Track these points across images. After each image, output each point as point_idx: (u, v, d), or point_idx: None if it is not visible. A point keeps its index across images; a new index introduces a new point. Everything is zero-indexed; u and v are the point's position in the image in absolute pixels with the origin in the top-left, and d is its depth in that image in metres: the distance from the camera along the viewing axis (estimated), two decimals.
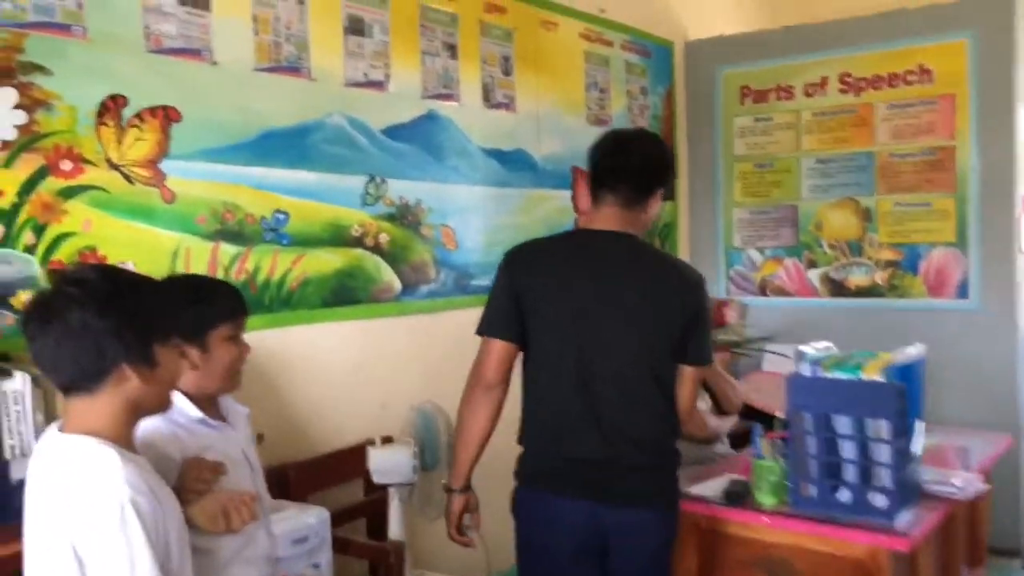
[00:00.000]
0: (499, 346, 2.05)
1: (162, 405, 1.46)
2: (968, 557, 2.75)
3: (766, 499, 2.17)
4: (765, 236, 4.58)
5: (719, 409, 3.14)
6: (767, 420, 3.54)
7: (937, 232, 4.12)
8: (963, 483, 2.26)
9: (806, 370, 2.12)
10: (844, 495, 2.07)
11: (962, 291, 4.07)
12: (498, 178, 3.50)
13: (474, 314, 3.24)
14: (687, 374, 2.01)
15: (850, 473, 2.05)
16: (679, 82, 4.69)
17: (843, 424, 2.05)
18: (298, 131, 2.71)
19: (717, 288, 4.73)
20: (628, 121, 4.26)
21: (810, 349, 2.18)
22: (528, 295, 2.03)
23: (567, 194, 3.88)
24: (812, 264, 4.44)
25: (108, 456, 1.31)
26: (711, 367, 2.13)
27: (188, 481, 1.54)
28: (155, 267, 2.28)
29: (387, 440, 2.68)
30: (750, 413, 3.82)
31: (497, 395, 2.06)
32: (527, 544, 2.10)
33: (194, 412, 1.69)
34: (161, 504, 1.34)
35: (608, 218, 2.04)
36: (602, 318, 1.97)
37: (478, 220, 3.41)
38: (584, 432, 1.97)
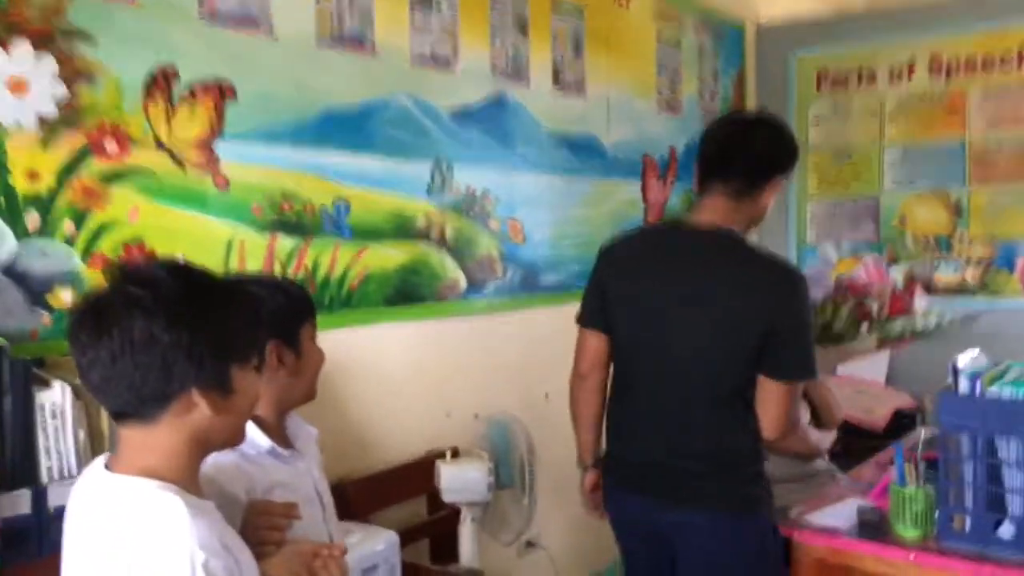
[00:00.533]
0: (589, 336, 2.06)
1: (235, 439, 1.19)
2: None
3: (909, 532, 1.88)
4: (843, 231, 4.27)
5: (818, 423, 2.86)
6: (861, 434, 3.26)
7: None
8: None
9: (963, 385, 1.82)
10: (1007, 530, 1.77)
11: None
12: (567, 166, 3.23)
13: (543, 314, 2.99)
14: (768, 387, 1.86)
15: (1016, 505, 1.76)
16: (750, 66, 4.39)
17: (1008, 449, 1.75)
18: (361, 112, 2.44)
19: None
20: (699, 107, 3.97)
21: (964, 360, 1.88)
22: (611, 290, 2.01)
23: (637, 184, 3.59)
24: (894, 260, 4.13)
25: (174, 507, 1.04)
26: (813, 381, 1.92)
27: (258, 530, 1.27)
28: (207, 261, 2.01)
29: (455, 453, 2.42)
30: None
31: (592, 383, 2.08)
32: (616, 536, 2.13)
33: (264, 441, 1.43)
34: (238, 564, 1.07)
35: (713, 209, 1.94)
36: (676, 318, 1.91)
37: (546, 212, 3.13)
38: (647, 435, 1.96)
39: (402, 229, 2.55)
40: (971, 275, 3.94)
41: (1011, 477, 1.76)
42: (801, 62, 4.32)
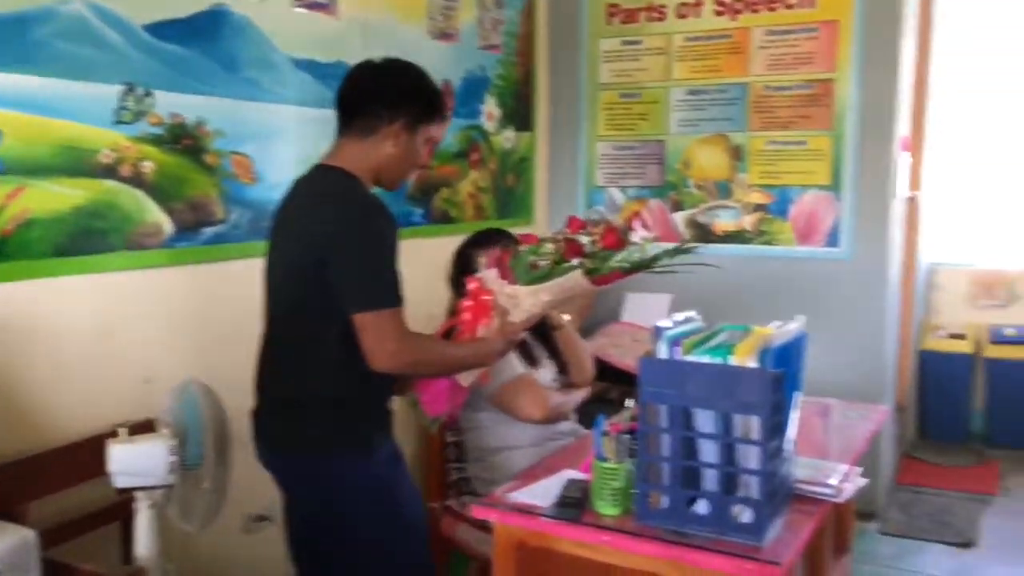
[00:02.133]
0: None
1: None
2: (834, 547, 2.43)
3: (608, 509, 1.73)
4: (629, 174, 4.15)
5: (568, 379, 2.70)
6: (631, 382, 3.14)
7: (810, 174, 3.77)
8: (838, 480, 1.88)
9: (663, 350, 1.67)
10: (703, 507, 1.65)
11: (832, 239, 3.76)
12: (314, 97, 2.88)
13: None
14: (355, 322, 1.80)
15: (711, 480, 1.63)
16: None
17: (705, 420, 1.61)
18: (15, 21, 2.02)
19: None
20: (478, 37, 3.69)
21: (668, 322, 1.73)
22: None
23: None
24: (678, 206, 4.05)
25: None
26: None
27: None
28: None
29: (145, 428, 2.11)
30: (607, 373, 3.43)
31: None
32: None
33: None
34: None
35: (336, 150, 1.98)
36: (274, 262, 1.98)
37: (286, 148, 2.79)
38: (260, 381, 2.02)
39: (78, 164, 2.16)
40: (748, 222, 3.90)
41: (706, 451, 1.62)
42: None
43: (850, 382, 3.52)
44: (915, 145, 4.16)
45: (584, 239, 2.00)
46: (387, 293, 1.82)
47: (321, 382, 1.89)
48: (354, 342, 1.80)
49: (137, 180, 2.30)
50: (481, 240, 2.62)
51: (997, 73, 4.91)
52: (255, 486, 2.64)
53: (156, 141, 2.35)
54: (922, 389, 4.80)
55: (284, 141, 2.78)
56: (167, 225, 2.39)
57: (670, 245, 2.07)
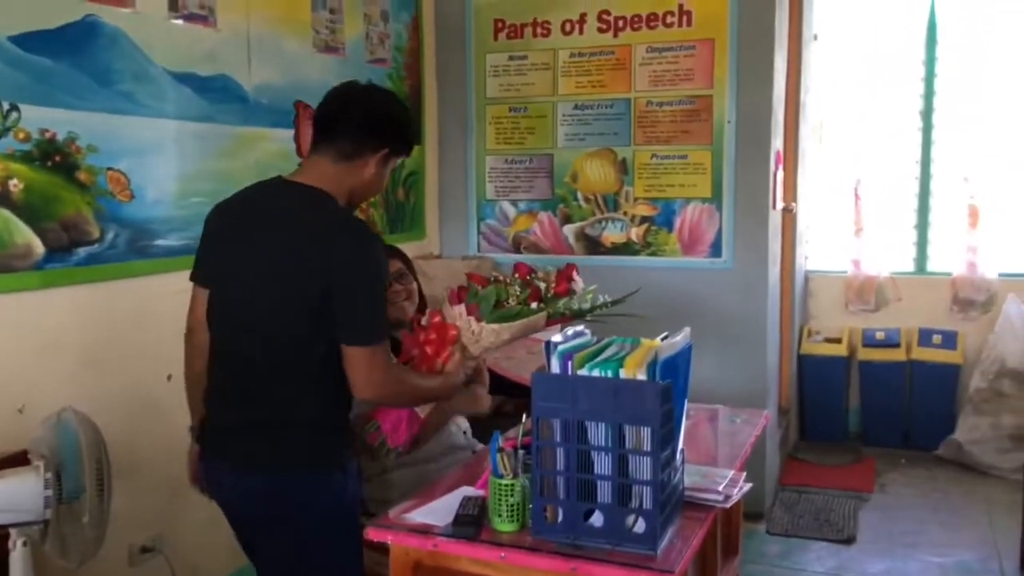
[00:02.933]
0: (196, 292, 2.01)
1: None
2: (723, 549, 2.51)
3: (505, 526, 1.73)
4: (519, 188, 4.19)
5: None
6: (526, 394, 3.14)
7: (692, 187, 3.90)
8: (726, 486, 1.94)
9: (555, 365, 1.69)
10: (598, 519, 1.67)
11: (716, 249, 3.89)
12: (195, 111, 2.80)
13: (160, 283, 2.58)
14: (345, 353, 1.80)
15: (605, 492, 1.65)
16: (427, 11, 4.14)
17: (598, 433, 1.63)
18: None
19: (468, 244, 4.30)
20: (366, 51, 3.67)
21: (560, 337, 1.75)
22: (213, 246, 1.97)
23: (290, 133, 3.23)
24: (567, 219, 4.11)
25: None
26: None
27: None
28: None
29: (18, 461, 1.99)
30: (503, 386, 3.43)
31: (197, 342, 2.02)
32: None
33: None
34: None
35: (313, 169, 1.92)
36: (252, 278, 1.86)
37: (167, 164, 2.70)
38: (228, 399, 1.92)
39: None
40: (636, 234, 4.00)
41: (601, 463, 1.64)
42: (479, 8, 4.14)
43: (735, 387, 3.65)
44: (788, 159, 4.35)
45: (541, 285, 2.09)
46: (382, 329, 1.83)
47: (304, 404, 1.85)
48: (335, 365, 1.81)
49: (4, 199, 2.18)
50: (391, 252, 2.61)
51: (866, 88, 5.19)
52: (140, 516, 2.55)
53: (24, 158, 2.24)
54: (802, 392, 5.01)
55: (163, 157, 2.69)
56: (38, 246, 2.28)
57: (608, 298, 2.17)
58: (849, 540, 3.64)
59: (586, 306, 2.14)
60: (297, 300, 1.80)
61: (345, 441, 1.94)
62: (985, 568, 3.37)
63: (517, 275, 2.16)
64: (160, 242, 2.67)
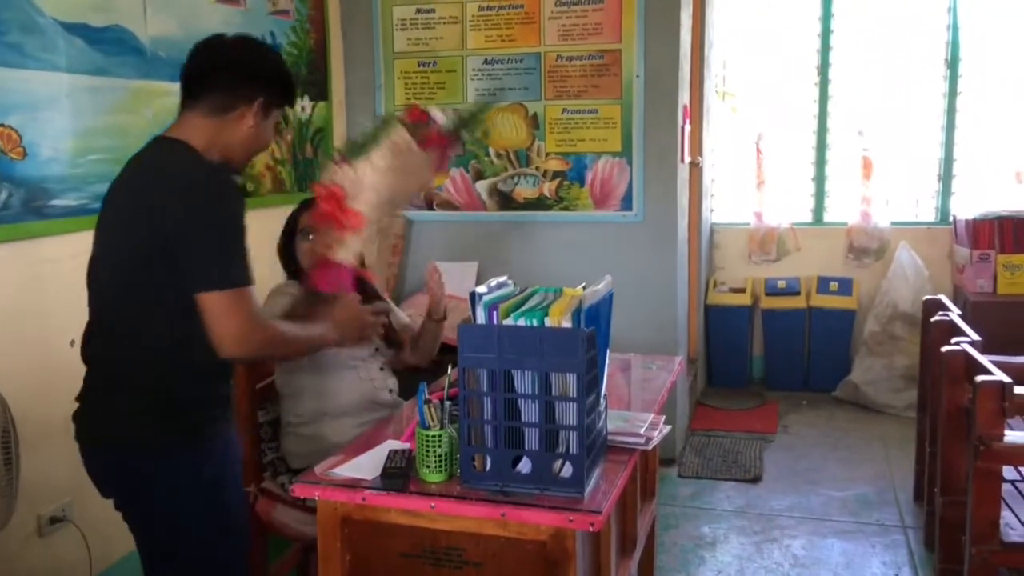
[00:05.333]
0: None
1: None
2: (641, 492, 2.58)
3: (433, 476, 1.74)
4: None
5: (399, 357, 2.69)
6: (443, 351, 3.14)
7: (603, 141, 3.94)
8: (646, 429, 2.00)
9: (480, 315, 1.69)
10: (526, 465, 1.69)
11: (627, 202, 3.95)
12: (88, 65, 2.66)
13: (56, 244, 2.47)
14: (200, 302, 1.68)
15: (532, 439, 1.67)
16: None
17: (525, 381, 1.65)
18: None
19: None
20: (267, 2, 3.54)
21: (483, 288, 1.75)
22: None
23: None
24: (479, 175, 4.10)
25: None
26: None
27: None
28: None
29: None
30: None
31: None
32: None
33: None
34: None
35: (183, 124, 1.83)
36: (100, 237, 1.81)
37: (61, 120, 2.57)
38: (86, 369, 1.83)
39: None
40: (548, 189, 4.02)
41: (527, 411, 1.67)
42: None
43: (646, 338, 3.73)
44: (694, 113, 4.43)
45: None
46: (239, 273, 1.70)
47: (147, 370, 1.74)
48: (186, 328, 1.68)
49: None
50: (302, 204, 2.57)
51: (766, 44, 5.32)
52: (48, 486, 2.46)
53: None
54: (709, 341, 5.17)
55: (57, 112, 2.56)
56: None
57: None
58: (756, 479, 3.80)
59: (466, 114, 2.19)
60: (132, 254, 1.71)
61: (203, 410, 1.81)
62: (882, 499, 3.57)
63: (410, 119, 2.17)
64: (56, 202, 2.54)
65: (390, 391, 2.60)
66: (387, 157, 2.08)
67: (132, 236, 1.72)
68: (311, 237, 2.39)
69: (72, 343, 2.44)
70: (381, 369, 2.59)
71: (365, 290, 2.47)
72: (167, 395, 1.75)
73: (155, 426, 1.75)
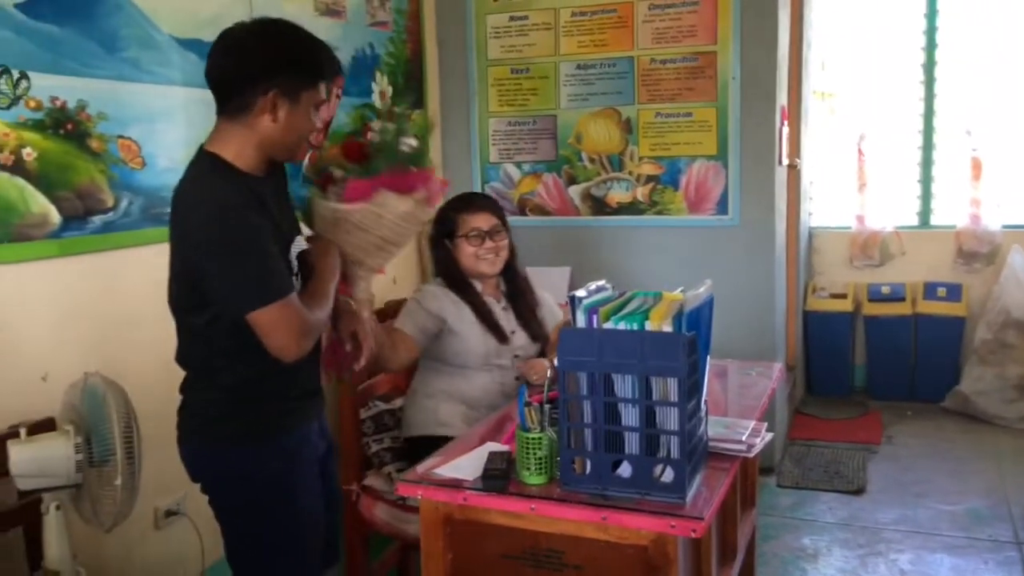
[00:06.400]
0: None
1: None
2: (741, 501, 2.54)
3: (533, 479, 1.76)
4: (523, 150, 4.18)
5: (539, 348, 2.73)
6: None
7: (698, 144, 3.89)
8: (748, 436, 1.97)
9: (580, 319, 1.70)
10: (626, 470, 1.69)
11: (722, 206, 3.89)
12: (201, 78, 2.70)
13: (159, 270, 2.57)
14: (251, 324, 1.69)
15: (632, 443, 1.67)
16: None
17: (625, 385, 1.65)
18: None
19: None
20: (367, 14, 3.63)
21: (583, 292, 1.76)
22: None
23: None
24: (572, 180, 4.10)
25: None
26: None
27: None
28: None
29: (45, 427, 2.01)
30: None
31: None
32: None
33: None
34: None
35: (214, 136, 1.80)
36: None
37: (176, 131, 2.69)
38: None
39: None
40: (641, 193, 3.99)
41: (627, 415, 1.66)
42: None
43: (743, 344, 3.66)
44: (792, 114, 4.34)
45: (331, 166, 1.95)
46: (272, 282, 1.68)
47: (214, 369, 1.81)
48: (243, 332, 1.70)
49: (19, 169, 2.17)
50: (461, 204, 2.73)
51: (868, 42, 5.17)
52: (163, 480, 2.57)
53: (37, 127, 2.22)
54: (808, 348, 5.04)
55: (172, 123, 2.67)
56: (54, 215, 2.27)
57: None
58: (859, 491, 3.68)
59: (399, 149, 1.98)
60: (176, 265, 1.77)
61: (271, 410, 1.84)
62: (995, 514, 3.42)
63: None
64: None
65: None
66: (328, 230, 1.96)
67: (173, 254, 1.77)
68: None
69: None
70: (516, 378, 2.64)
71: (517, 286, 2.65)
72: (234, 391, 1.81)
73: (224, 421, 1.82)
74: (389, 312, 2.84)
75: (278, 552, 1.86)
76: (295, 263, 1.85)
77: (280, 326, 1.67)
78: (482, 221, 2.68)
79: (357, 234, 1.93)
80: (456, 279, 2.67)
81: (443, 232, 2.70)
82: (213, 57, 1.77)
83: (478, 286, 2.69)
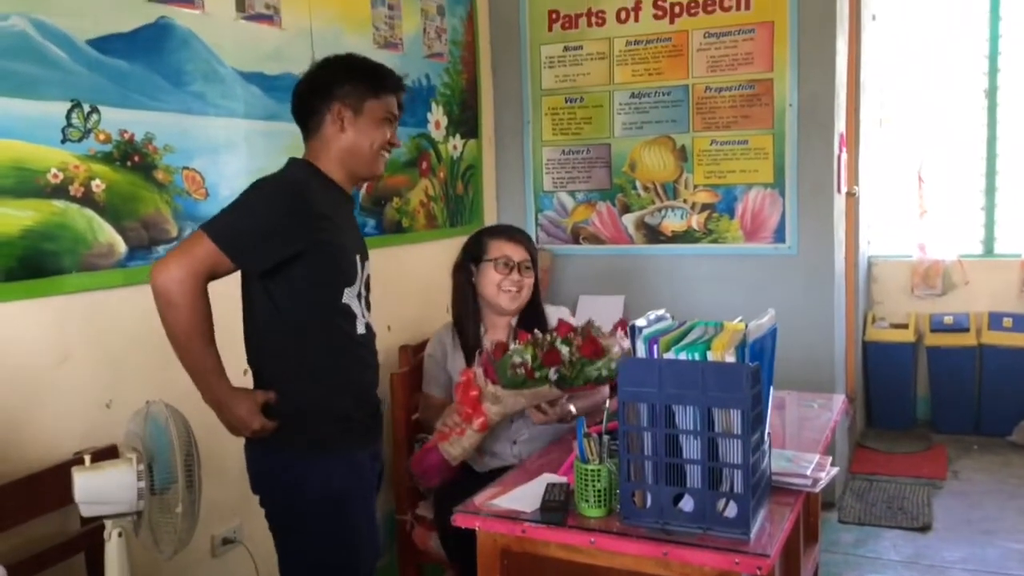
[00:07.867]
0: None
1: None
2: (804, 536, 2.48)
3: (592, 511, 1.73)
4: (577, 178, 4.18)
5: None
6: None
7: (754, 172, 3.85)
8: (813, 470, 1.92)
9: (640, 349, 1.68)
10: (688, 503, 1.66)
11: (779, 235, 3.84)
12: (263, 110, 2.84)
13: (233, 280, 2.61)
14: None
15: (694, 476, 1.64)
16: (482, 3, 4.14)
17: (686, 416, 1.62)
18: None
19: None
20: (423, 46, 3.68)
21: (643, 321, 1.74)
22: None
23: None
24: (626, 209, 4.09)
25: None
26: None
27: None
28: None
29: (108, 455, 2.04)
30: None
31: None
32: None
33: None
34: None
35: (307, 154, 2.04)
36: None
37: (236, 162, 2.74)
38: None
39: (26, 184, 2.08)
40: (696, 222, 3.96)
41: (689, 447, 1.63)
42: (533, 1, 4.13)
43: (801, 375, 3.58)
44: (850, 142, 4.27)
45: (564, 349, 2.10)
46: (221, 220, 1.83)
47: (269, 382, 1.95)
48: (314, 348, 1.87)
49: (88, 199, 2.23)
50: (497, 231, 2.74)
51: (927, 67, 5.08)
52: (220, 508, 2.60)
53: (105, 159, 2.28)
54: (868, 379, 4.92)
55: (234, 155, 2.73)
56: (120, 245, 2.32)
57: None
58: (925, 528, 3.57)
59: (605, 373, 2.14)
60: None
61: (333, 427, 1.92)
62: None
63: (557, 333, 2.15)
64: None
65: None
66: (527, 397, 2.22)
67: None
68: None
69: (245, 372, 2.59)
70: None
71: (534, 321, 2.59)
72: (287, 406, 1.90)
73: (293, 432, 1.90)
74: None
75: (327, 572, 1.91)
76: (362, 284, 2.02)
77: (182, 248, 1.81)
78: (514, 251, 2.62)
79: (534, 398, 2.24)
80: (468, 312, 2.62)
81: (470, 255, 2.66)
82: (295, 91, 2.05)
83: (490, 319, 2.64)
